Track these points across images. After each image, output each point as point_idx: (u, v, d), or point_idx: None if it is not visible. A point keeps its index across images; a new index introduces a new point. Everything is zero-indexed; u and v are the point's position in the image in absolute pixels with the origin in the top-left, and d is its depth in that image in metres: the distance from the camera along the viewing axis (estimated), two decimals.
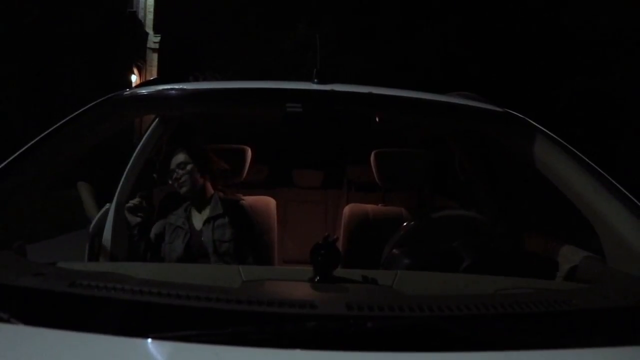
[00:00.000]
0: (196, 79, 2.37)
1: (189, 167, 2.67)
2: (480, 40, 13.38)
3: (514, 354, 1.03)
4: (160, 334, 1.00)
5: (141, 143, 3.05)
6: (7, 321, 1.04)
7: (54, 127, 1.82)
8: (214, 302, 1.07)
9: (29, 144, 1.72)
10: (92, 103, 2.00)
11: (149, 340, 1.00)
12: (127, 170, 3.00)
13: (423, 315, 1.08)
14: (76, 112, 1.92)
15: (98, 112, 2.00)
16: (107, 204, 2.84)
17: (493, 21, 13.27)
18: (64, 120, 1.87)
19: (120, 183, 2.94)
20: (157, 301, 1.07)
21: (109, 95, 2.09)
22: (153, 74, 23.53)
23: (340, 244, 2.75)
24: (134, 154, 3.03)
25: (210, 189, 2.75)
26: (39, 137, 1.76)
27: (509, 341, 1.07)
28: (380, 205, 3.07)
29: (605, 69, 11.59)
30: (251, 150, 3.16)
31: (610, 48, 11.45)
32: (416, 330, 1.06)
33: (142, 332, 1.01)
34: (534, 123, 2.06)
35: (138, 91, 2.21)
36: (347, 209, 2.93)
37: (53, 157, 1.84)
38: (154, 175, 3.26)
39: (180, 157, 2.67)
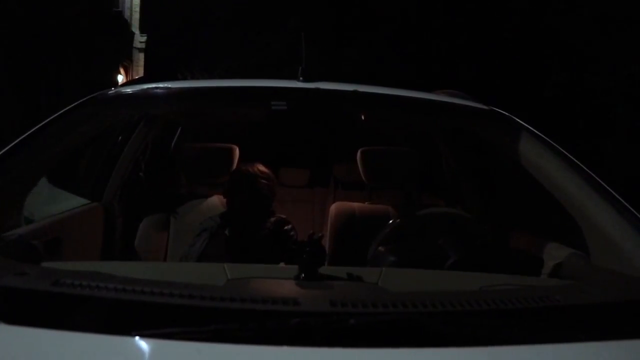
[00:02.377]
0: (184, 78, 2.37)
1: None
2: (467, 38, 13.44)
3: (498, 349, 1.04)
4: (143, 332, 1.00)
5: (128, 143, 3.04)
6: None
7: (38, 126, 1.81)
8: (198, 300, 1.07)
9: (12, 144, 1.71)
10: (77, 102, 1.99)
11: (132, 338, 0.99)
12: (114, 169, 3.00)
13: (407, 311, 1.08)
14: (61, 112, 1.91)
15: (83, 111, 1.99)
16: (95, 203, 2.83)
17: (479, 19, 13.32)
18: (48, 120, 1.86)
19: (109, 183, 2.94)
20: (140, 299, 1.07)
21: (94, 95, 2.09)
22: (139, 73, 23.40)
23: (326, 242, 2.75)
24: (122, 154, 3.03)
25: None
26: (23, 136, 1.75)
27: (492, 337, 1.07)
28: (366, 203, 3.07)
29: (590, 65, 11.69)
30: (238, 148, 3.15)
31: (595, 44, 11.55)
32: (400, 326, 1.06)
33: (125, 330, 1.00)
34: (519, 121, 2.07)
35: (123, 90, 2.21)
36: (333, 207, 2.92)
37: (37, 157, 1.83)
38: (141, 174, 3.26)
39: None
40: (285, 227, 2.66)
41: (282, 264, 2.17)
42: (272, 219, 2.67)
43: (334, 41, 14.70)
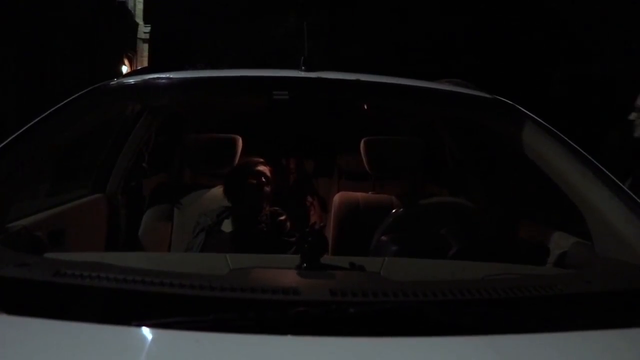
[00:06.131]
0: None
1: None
2: (472, 29, 13.39)
3: (500, 338, 1.04)
4: (143, 322, 1.00)
5: (132, 134, 3.04)
6: None
7: (40, 117, 1.81)
8: (198, 290, 1.07)
9: (15, 134, 1.71)
10: (80, 93, 1.99)
11: (132, 327, 1.00)
12: (118, 161, 3.00)
13: (407, 300, 1.08)
14: (63, 102, 1.91)
15: (86, 101, 1.99)
16: (98, 194, 2.84)
17: (485, 9, 13.28)
18: (51, 110, 1.86)
19: (112, 174, 2.95)
20: (140, 289, 1.07)
21: (96, 85, 2.08)
22: (144, 64, 23.46)
23: (330, 232, 2.76)
24: (125, 145, 3.03)
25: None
26: (25, 127, 1.75)
27: (494, 326, 1.07)
28: (370, 193, 3.06)
29: (595, 54, 11.65)
30: (241, 138, 3.14)
31: (599, 33, 11.51)
32: (400, 315, 1.06)
33: (125, 320, 1.01)
34: (523, 110, 2.06)
35: (125, 81, 2.20)
36: (337, 197, 2.92)
37: (40, 148, 1.83)
38: (144, 165, 3.26)
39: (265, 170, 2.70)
40: (280, 218, 2.68)
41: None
42: (267, 211, 2.69)
43: (334, 34, 14.68)
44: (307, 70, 2.09)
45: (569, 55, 12.21)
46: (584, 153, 1.81)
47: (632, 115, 3.84)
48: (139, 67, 19.79)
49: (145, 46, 25.15)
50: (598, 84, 11.36)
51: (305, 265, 1.29)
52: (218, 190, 2.95)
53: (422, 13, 14.10)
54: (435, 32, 13.87)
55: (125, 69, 21.10)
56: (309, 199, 3.64)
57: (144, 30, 25.07)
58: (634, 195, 1.63)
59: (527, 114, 2.02)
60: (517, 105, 2.10)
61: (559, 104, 10.77)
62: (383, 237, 1.95)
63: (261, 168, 2.71)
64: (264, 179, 2.68)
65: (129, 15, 23.55)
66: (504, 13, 12.98)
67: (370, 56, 13.90)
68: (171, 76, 2.13)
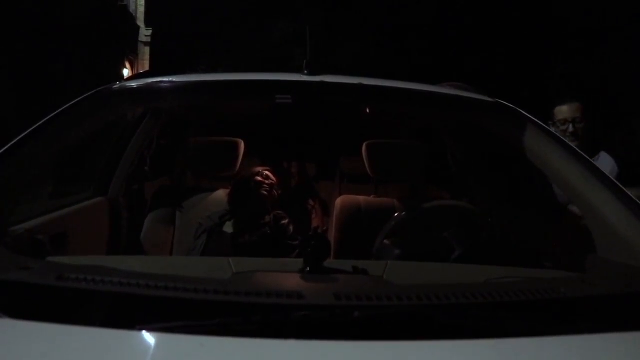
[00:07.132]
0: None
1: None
2: (473, 30, 13.40)
3: (503, 342, 1.04)
4: (147, 326, 1.00)
5: (134, 137, 3.04)
6: None
7: (43, 120, 1.81)
8: (201, 294, 1.07)
9: (18, 138, 1.71)
10: (82, 96, 1.99)
11: (136, 332, 1.00)
12: (120, 164, 3.00)
13: (411, 304, 1.08)
14: (65, 106, 1.91)
15: (88, 105, 1.99)
16: (101, 198, 2.84)
17: (484, 10, 13.28)
18: (53, 114, 1.86)
19: (114, 177, 2.95)
20: (144, 293, 1.07)
21: (99, 89, 2.08)
22: (145, 67, 23.47)
23: (332, 236, 2.76)
24: (127, 148, 3.03)
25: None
26: (28, 130, 1.75)
27: (497, 329, 1.07)
28: (372, 196, 3.06)
29: (594, 52, 11.66)
30: (243, 142, 3.15)
31: (600, 32, 11.53)
32: (404, 319, 1.06)
33: (129, 324, 1.01)
34: (525, 113, 2.06)
35: (127, 84, 2.20)
36: (339, 201, 2.92)
37: (42, 151, 1.83)
38: (146, 168, 3.26)
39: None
40: (283, 222, 2.69)
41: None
42: (270, 215, 2.70)
43: (331, 34, 14.67)
44: (310, 74, 2.09)
45: (570, 54, 12.23)
46: (585, 156, 1.81)
47: (564, 126, 3.89)
48: (141, 71, 19.81)
49: (147, 49, 25.17)
50: (598, 84, 11.36)
51: (308, 269, 1.29)
52: (220, 194, 2.95)
53: (421, 12, 14.08)
54: (435, 32, 13.87)
55: (126, 72, 21.11)
56: (311, 202, 3.65)
57: (145, 33, 25.09)
58: (635, 198, 1.63)
59: (528, 117, 2.03)
60: (518, 109, 2.10)
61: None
62: (385, 241, 1.95)
63: (267, 174, 2.77)
64: (270, 185, 2.72)
65: (131, 18, 23.57)
66: (504, 12, 12.99)
67: (368, 57, 13.89)
68: (173, 80, 2.13)
